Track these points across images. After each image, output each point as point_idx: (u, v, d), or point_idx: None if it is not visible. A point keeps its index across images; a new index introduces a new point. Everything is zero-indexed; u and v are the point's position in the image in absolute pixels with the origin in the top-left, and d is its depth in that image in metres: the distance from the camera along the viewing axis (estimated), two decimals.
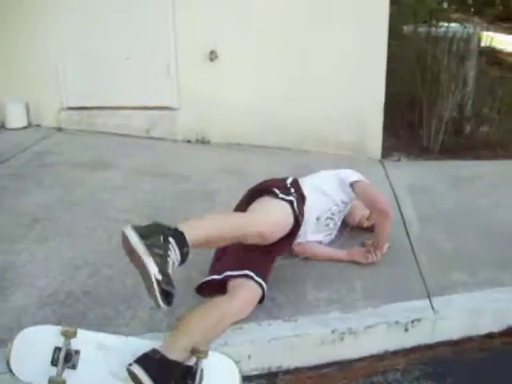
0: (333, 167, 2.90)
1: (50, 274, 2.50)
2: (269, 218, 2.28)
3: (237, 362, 1.93)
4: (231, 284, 2.25)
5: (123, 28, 4.47)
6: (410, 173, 4.17)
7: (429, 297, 2.43)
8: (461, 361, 2.27)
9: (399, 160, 4.57)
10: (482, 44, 5.46)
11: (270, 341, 2.12)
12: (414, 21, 5.45)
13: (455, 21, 5.98)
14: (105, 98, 4.64)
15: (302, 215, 2.48)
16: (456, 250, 2.90)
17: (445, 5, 9.25)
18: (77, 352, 1.87)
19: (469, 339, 2.38)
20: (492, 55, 6.16)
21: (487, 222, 3.25)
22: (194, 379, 1.86)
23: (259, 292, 2.25)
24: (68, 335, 1.85)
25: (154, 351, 1.84)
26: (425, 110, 4.78)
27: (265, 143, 4.56)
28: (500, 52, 7.96)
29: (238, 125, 4.59)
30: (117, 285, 2.43)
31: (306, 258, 2.67)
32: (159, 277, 1.71)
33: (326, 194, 2.69)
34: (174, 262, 1.82)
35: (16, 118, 4.64)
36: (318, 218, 2.68)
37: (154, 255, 1.74)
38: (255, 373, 2.12)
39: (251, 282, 2.24)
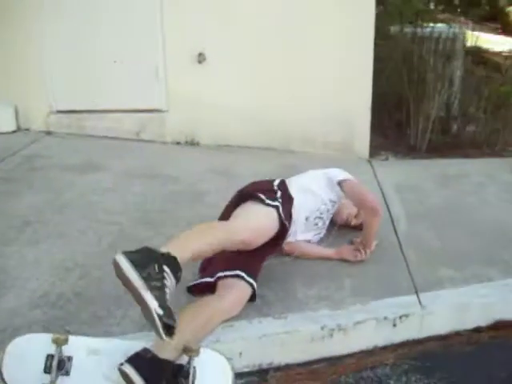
0: (321, 167, 2.91)
1: (41, 276, 2.51)
2: (250, 225, 2.28)
3: (229, 359, 1.95)
4: (221, 283, 2.28)
5: (112, 31, 4.47)
6: (397, 171, 4.22)
7: (416, 293, 2.47)
8: (449, 355, 2.30)
9: (387, 159, 4.62)
10: (468, 44, 5.51)
11: (260, 338, 2.14)
12: (400, 21, 5.49)
13: (442, 21, 6.02)
14: (94, 101, 4.64)
15: (290, 217, 2.51)
16: (443, 246, 2.94)
17: (431, 5, 9.31)
18: (69, 358, 1.87)
19: (456, 334, 2.41)
20: (478, 55, 6.20)
21: (474, 220, 3.30)
22: (187, 377, 1.87)
23: (249, 291, 2.28)
24: (59, 342, 1.84)
25: (145, 350, 1.85)
26: (412, 110, 4.83)
27: (253, 144, 4.59)
28: (486, 52, 8.02)
29: (226, 126, 4.61)
30: (107, 286, 2.44)
31: (296, 257, 2.70)
32: (160, 312, 1.71)
33: (314, 193, 2.72)
34: (170, 290, 1.82)
35: (5, 122, 4.63)
36: (307, 218, 2.70)
37: (152, 289, 1.73)
38: (246, 370, 2.14)
39: (242, 282, 2.27)
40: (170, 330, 1.74)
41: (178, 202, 3.41)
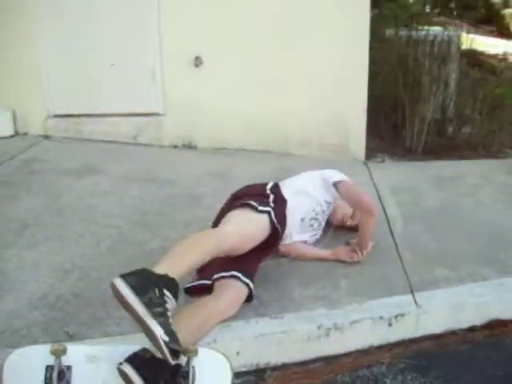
0: (317, 169, 2.94)
1: (39, 279, 2.52)
2: (238, 231, 2.29)
3: (227, 357, 1.98)
4: (218, 284, 2.30)
5: (109, 35, 4.49)
6: (393, 173, 4.24)
7: (412, 292, 2.49)
8: (444, 354, 2.32)
9: (383, 161, 4.64)
10: (464, 46, 5.55)
11: (257, 337, 2.16)
12: (395, 24, 5.52)
13: (437, 24, 6.06)
14: (91, 105, 4.66)
15: (284, 220, 2.52)
16: (439, 247, 2.97)
17: (427, 8, 9.36)
18: (69, 368, 1.88)
19: (452, 333, 2.44)
20: (473, 57, 6.25)
21: (470, 221, 3.33)
22: (186, 378, 1.89)
23: (245, 291, 2.30)
24: (58, 353, 1.85)
25: (144, 350, 1.87)
26: (407, 112, 4.86)
27: (250, 147, 4.61)
28: (482, 54, 8.06)
29: (223, 130, 4.63)
30: (106, 287, 2.41)
31: (292, 258, 2.72)
32: (166, 338, 1.73)
33: (309, 194, 2.74)
34: (171, 312, 1.84)
35: (3, 127, 4.65)
36: (302, 219, 2.73)
37: (155, 316, 1.75)
38: (244, 369, 2.17)
39: (238, 282, 2.29)
40: (176, 353, 1.77)
41: (176, 204, 3.43)
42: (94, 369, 1.90)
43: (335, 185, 2.74)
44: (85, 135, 4.70)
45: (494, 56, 7.01)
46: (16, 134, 4.74)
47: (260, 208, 2.41)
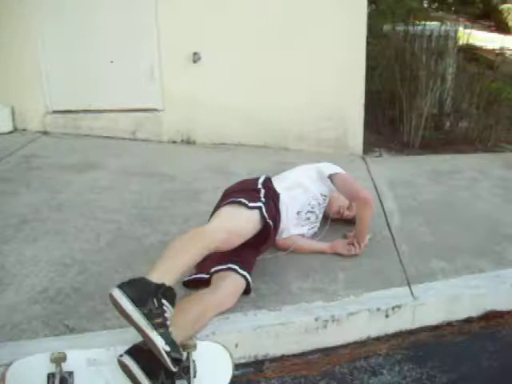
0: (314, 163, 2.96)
1: (39, 273, 2.54)
2: (225, 227, 2.30)
3: (227, 348, 2.00)
4: (215, 277, 2.33)
5: (107, 32, 4.51)
6: (391, 168, 4.27)
7: (409, 284, 2.52)
8: (441, 345, 2.35)
9: (380, 156, 4.67)
10: (461, 42, 5.56)
11: (255, 329, 2.18)
12: (392, 20, 5.54)
13: (435, 19, 6.07)
14: (90, 101, 4.68)
15: (277, 214, 2.54)
16: (436, 240, 2.99)
17: (425, 4, 9.38)
18: (70, 374, 1.90)
19: (448, 324, 2.46)
20: (470, 52, 6.26)
21: (467, 214, 3.35)
22: (188, 373, 1.93)
23: (242, 283, 2.32)
24: (58, 361, 1.87)
25: (144, 342, 1.87)
26: (405, 107, 4.88)
27: (249, 142, 4.64)
28: (479, 49, 8.08)
29: (222, 125, 4.66)
30: (105, 281, 2.48)
31: (290, 252, 2.74)
32: (167, 349, 1.77)
33: (305, 187, 2.76)
34: (170, 321, 1.87)
35: (1, 123, 4.65)
36: (298, 213, 2.75)
37: (156, 327, 1.78)
38: (243, 361, 2.19)
39: (234, 274, 2.32)
40: (177, 361, 1.82)
41: (175, 199, 3.45)
42: (96, 372, 1.93)
43: (330, 177, 2.76)
44: (84, 131, 4.71)
45: (491, 51, 7.03)
46: (15, 130, 4.75)
47: (250, 204, 2.41)
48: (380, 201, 3.48)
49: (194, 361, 1.96)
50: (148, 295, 1.84)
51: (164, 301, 1.87)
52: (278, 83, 4.49)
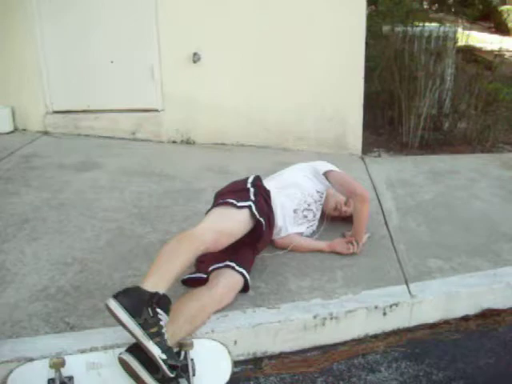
0: None
1: (40, 271, 2.56)
2: (214, 227, 2.31)
3: (226, 346, 2.02)
4: (213, 274, 2.36)
5: (108, 32, 4.54)
6: (389, 168, 4.28)
7: (406, 282, 2.54)
8: (438, 342, 2.37)
9: (379, 156, 4.69)
10: (460, 42, 5.58)
11: (254, 327, 2.20)
12: (391, 21, 5.56)
13: (434, 20, 6.09)
14: (90, 101, 4.71)
15: (269, 210, 2.57)
16: (433, 239, 3.01)
17: (425, 5, 9.41)
18: (70, 379, 1.93)
19: (445, 322, 2.49)
20: (469, 53, 6.29)
21: (464, 214, 3.37)
22: (186, 371, 1.95)
23: (240, 280, 2.35)
24: (57, 366, 1.89)
25: None
26: (404, 107, 4.90)
27: (248, 142, 4.66)
28: (478, 50, 8.11)
29: (222, 125, 4.68)
30: (105, 279, 2.50)
31: (289, 251, 2.76)
32: (164, 356, 1.82)
33: (300, 186, 2.79)
34: (165, 326, 1.91)
35: (2, 123, 4.68)
36: (295, 211, 2.77)
37: (152, 336, 1.83)
38: (242, 358, 2.21)
39: (231, 271, 2.35)
40: (174, 367, 1.85)
41: (175, 199, 3.47)
42: (96, 375, 1.96)
43: (325, 174, 2.80)
44: (84, 131, 4.74)
45: (490, 52, 7.06)
46: (15, 130, 4.79)
47: (239, 204, 2.43)
48: (378, 200, 3.50)
49: (192, 359, 1.98)
50: (143, 305, 1.88)
51: (158, 309, 1.91)
52: (278, 83, 4.51)
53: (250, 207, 2.43)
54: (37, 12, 4.49)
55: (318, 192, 2.84)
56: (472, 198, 3.63)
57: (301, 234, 2.85)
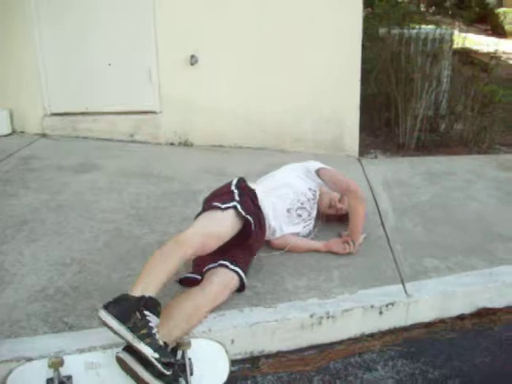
0: None
1: (38, 272, 2.58)
2: (200, 231, 2.33)
3: (223, 345, 2.04)
4: (207, 273, 2.38)
5: (105, 35, 4.56)
6: (386, 169, 4.30)
7: (402, 282, 2.56)
8: (433, 341, 2.39)
9: (376, 157, 4.70)
10: (456, 45, 5.61)
11: (251, 326, 2.22)
12: (388, 23, 5.58)
13: (431, 23, 6.11)
14: (88, 103, 4.72)
15: (257, 209, 2.59)
16: (429, 239, 3.03)
17: (422, 7, 9.44)
18: (69, 378, 1.95)
19: (441, 321, 2.51)
20: (466, 55, 6.31)
21: (461, 214, 3.39)
22: (184, 370, 1.97)
23: (234, 278, 2.37)
24: (55, 365, 1.91)
25: None
26: (400, 109, 4.92)
27: (246, 144, 4.68)
28: (475, 52, 8.13)
29: (219, 127, 4.70)
30: (103, 279, 2.52)
31: (286, 251, 2.78)
32: (156, 355, 1.85)
33: (292, 185, 2.82)
34: (156, 327, 1.95)
35: (0, 125, 4.69)
36: (288, 210, 2.79)
37: (142, 338, 1.86)
38: (239, 357, 2.23)
39: (225, 269, 2.37)
40: (169, 364, 1.88)
41: (173, 200, 3.49)
42: (94, 375, 1.98)
43: (317, 172, 2.83)
44: (82, 133, 4.75)
45: (487, 54, 7.08)
46: (13, 132, 4.80)
47: (224, 206, 2.45)
48: (375, 201, 3.52)
49: (189, 358, 2.00)
50: (131, 310, 1.92)
51: (146, 312, 1.94)
52: (275, 85, 4.53)
53: (235, 207, 2.45)
54: (35, 14, 4.51)
55: (310, 190, 2.86)
56: (468, 199, 3.65)
57: (297, 233, 2.86)
